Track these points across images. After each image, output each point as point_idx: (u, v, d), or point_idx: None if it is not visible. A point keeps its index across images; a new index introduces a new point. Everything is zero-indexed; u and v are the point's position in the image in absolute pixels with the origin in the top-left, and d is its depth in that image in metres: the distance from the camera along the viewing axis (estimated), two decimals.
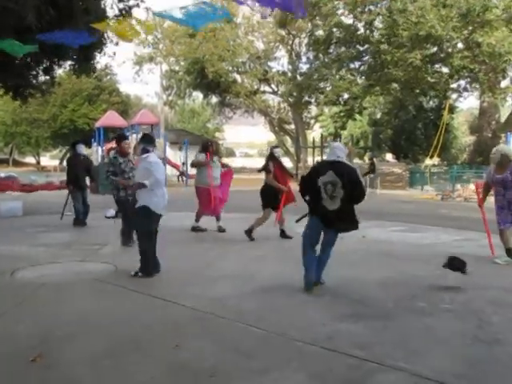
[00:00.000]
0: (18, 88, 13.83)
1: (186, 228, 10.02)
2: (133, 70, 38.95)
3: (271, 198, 8.99)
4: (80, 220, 10.62)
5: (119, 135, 10.02)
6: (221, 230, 9.85)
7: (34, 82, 14.04)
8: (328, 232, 5.72)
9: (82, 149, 11.22)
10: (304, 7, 7.84)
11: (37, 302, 5.37)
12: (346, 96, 32.28)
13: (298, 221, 6.56)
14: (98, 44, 13.10)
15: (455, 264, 5.73)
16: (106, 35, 12.94)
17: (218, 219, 9.97)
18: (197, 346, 4.08)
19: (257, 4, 7.10)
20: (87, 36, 8.18)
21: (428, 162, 26.66)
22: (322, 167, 5.85)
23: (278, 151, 9.72)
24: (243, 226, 9.13)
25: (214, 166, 9.81)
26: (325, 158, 5.96)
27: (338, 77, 29.94)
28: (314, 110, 39.61)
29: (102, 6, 12.66)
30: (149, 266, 6.40)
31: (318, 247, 5.79)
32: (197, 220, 10.05)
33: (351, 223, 5.67)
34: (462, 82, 30.75)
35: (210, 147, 9.93)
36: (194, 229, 9.99)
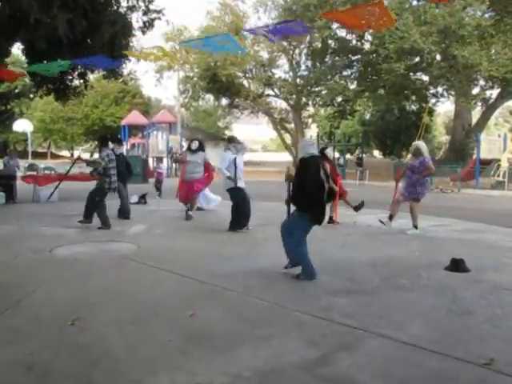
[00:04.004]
0: (58, 90, 13.85)
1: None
2: (154, 77, 38.68)
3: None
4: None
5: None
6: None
7: (71, 85, 14.06)
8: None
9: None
10: (305, 27, 7.95)
11: (71, 274, 5.40)
12: (339, 99, 32.17)
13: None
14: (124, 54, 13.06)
15: (458, 266, 5.68)
16: (131, 45, 12.91)
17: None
18: (209, 314, 4.09)
19: (273, 36, 7.06)
20: (115, 62, 8.21)
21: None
22: (316, 162, 5.21)
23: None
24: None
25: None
26: (309, 151, 5.24)
27: (332, 82, 29.80)
28: (311, 111, 39.41)
29: (128, 19, 12.59)
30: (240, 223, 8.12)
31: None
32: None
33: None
34: (440, 89, 30.62)
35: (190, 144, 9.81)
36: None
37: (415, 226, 8.32)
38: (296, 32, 7.09)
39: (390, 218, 8.55)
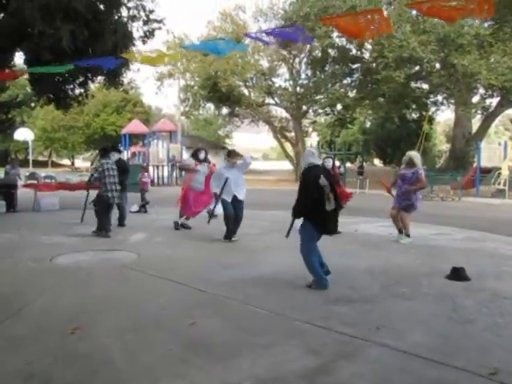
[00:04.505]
0: (59, 99, 13.92)
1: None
2: (155, 85, 38.80)
3: None
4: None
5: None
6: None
7: (72, 94, 14.14)
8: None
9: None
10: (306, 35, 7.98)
11: (73, 283, 5.41)
12: (339, 107, 32.28)
13: (287, 236, 5.43)
14: (125, 62, 13.14)
15: (459, 274, 5.68)
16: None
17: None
18: (209, 323, 4.09)
19: (273, 39, 7.11)
20: (115, 61, 8.26)
21: None
22: (317, 171, 5.20)
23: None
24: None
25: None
26: (310, 161, 5.25)
27: (332, 90, 29.91)
28: (311, 118, 39.46)
29: (129, 28, 12.68)
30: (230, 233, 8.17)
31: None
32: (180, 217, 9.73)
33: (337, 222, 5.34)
34: (440, 98, 30.73)
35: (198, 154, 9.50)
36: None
37: (407, 235, 8.27)
38: (297, 38, 7.10)
39: (400, 231, 8.38)
